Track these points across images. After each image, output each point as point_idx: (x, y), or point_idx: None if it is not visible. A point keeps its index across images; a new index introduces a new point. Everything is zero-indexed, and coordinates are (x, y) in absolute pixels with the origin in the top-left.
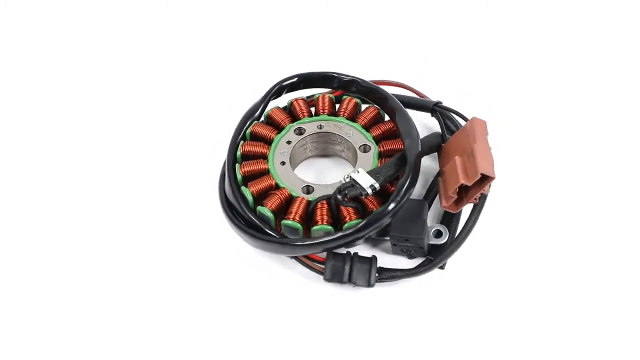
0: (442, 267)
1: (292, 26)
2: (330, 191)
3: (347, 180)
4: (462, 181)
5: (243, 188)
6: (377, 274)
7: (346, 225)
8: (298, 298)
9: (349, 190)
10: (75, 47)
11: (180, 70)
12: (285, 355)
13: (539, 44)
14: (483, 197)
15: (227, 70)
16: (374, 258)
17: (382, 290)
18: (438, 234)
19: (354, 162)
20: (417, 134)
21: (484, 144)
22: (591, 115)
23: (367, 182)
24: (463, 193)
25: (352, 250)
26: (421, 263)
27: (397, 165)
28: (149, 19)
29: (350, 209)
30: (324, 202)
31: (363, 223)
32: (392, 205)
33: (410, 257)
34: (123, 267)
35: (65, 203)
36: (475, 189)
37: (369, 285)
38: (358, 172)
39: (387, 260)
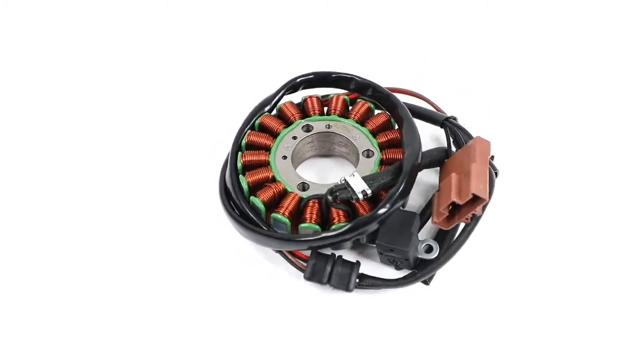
0: (425, 283)
1: (292, 26)
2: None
3: (342, 182)
4: (454, 199)
5: (240, 177)
6: (357, 280)
7: (333, 226)
8: (277, 294)
9: (340, 193)
10: (75, 47)
11: (180, 71)
12: (249, 349)
13: (539, 44)
14: (475, 218)
15: (228, 70)
16: (357, 263)
17: (361, 297)
18: (429, 249)
19: (356, 165)
20: (420, 145)
21: (483, 165)
22: (591, 116)
23: (359, 187)
24: (455, 211)
25: (339, 253)
26: (405, 275)
27: (394, 174)
28: (149, 19)
29: (340, 211)
30: (316, 201)
31: (348, 226)
32: (379, 212)
33: (397, 268)
34: (120, 256)
35: (66, 199)
36: (467, 208)
37: (347, 289)
38: (353, 175)
39: (375, 268)
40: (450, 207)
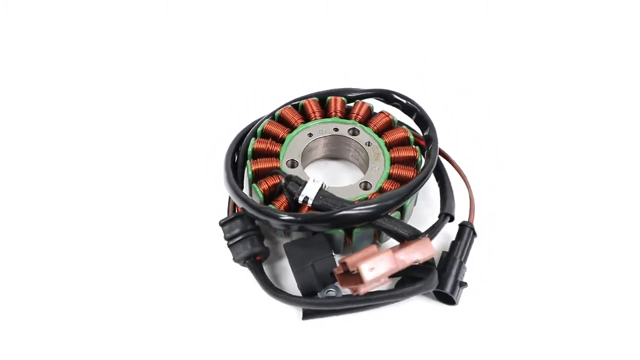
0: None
1: (292, 26)
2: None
3: (313, 181)
4: (346, 259)
5: (248, 162)
6: None
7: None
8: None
9: (292, 184)
10: (76, 47)
11: (180, 71)
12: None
13: (539, 44)
14: (357, 300)
15: (228, 71)
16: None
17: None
18: (330, 292)
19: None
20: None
21: (394, 260)
22: (591, 116)
23: (309, 192)
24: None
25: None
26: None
27: (337, 206)
28: (149, 19)
29: (284, 198)
30: (278, 178)
31: (280, 212)
32: (283, 217)
33: None
34: (117, 255)
35: (64, 199)
36: (352, 279)
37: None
38: (314, 182)
39: None
40: (344, 264)
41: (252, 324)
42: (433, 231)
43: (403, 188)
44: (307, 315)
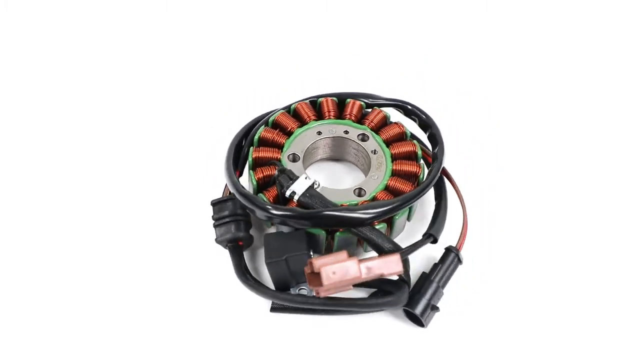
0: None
1: (292, 26)
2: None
3: (305, 178)
4: (313, 260)
5: (250, 149)
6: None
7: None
8: None
9: (283, 176)
10: (75, 48)
11: (180, 71)
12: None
13: (539, 44)
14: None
15: (228, 71)
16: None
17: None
18: (302, 290)
19: (366, 174)
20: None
21: (359, 270)
22: (591, 116)
23: (296, 187)
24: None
25: None
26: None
27: (323, 205)
28: (149, 19)
29: (275, 189)
30: (274, 169)
31: (262, 202)
32: (272, 211)
33: None
34: (115, 255)
35: (64, 197)
36: (315, 280)
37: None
38: (307, 179)
39: None
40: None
41: (221, 308)
42: (411, 249)
43: (391, 201)
44: (274, 308)
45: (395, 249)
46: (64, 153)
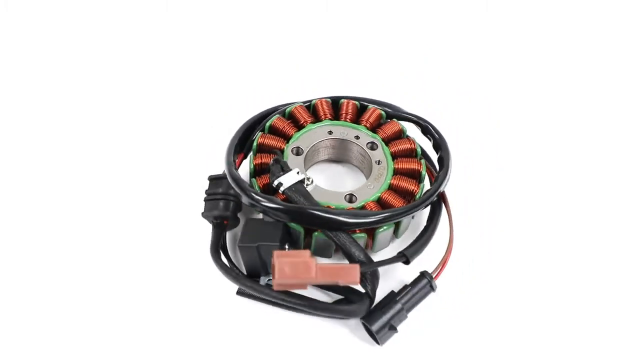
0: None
1: (292, 26)
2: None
3: (297, 172)
4: (275, 251)
5: (258, 134)
6: None
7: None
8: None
9: (275, 167)
10: (75, 47)
11: (180, 71)
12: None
13: (539, 44)
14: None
15: (228, 71)
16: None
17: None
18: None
19: (367, 176)
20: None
21: (314, 272)
22: (591, 116)
23: (284, 179)
24: None
25: None
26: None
27: (307, 200)
28: (149, 19)
29: (266, 177)
30: (272, 157)
31: (246, 188)
32: (264, 203)
33: None
34: (115, 254)
35: (65, 196)
36: (273, 271)
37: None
38: (298, 174)
39: None
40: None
41: (192, 282)
42: (379, 264)
43: (375, 212)
44: (240, 292)
45: (365, 260)
46: (62, 152)
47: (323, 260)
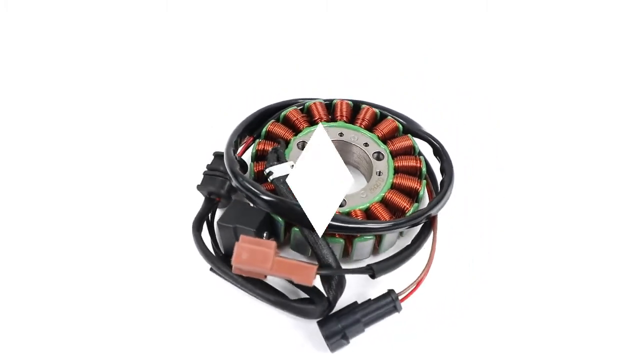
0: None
1: (292, 26)
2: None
3: (291, 166)
4: (243, 236)
5: (269, 121)
6: None
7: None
8: None
9: (272, 156)
10: (75, 47)
11: (181, 71)
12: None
13: (539, 44)
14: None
15: (228, 71)
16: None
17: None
18: None
19: (368, 179)
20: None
21: (271, 262)
22: (591, 116)
23: (276, 169)
24: None
25: None
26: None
27: (287, 195)
28: (149, 19)
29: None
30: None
31: (237, 172)
32: (260, 196)
33: None
34: (115, 254)
35: (66, 195)
36: None
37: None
38: (292, 167)
39: None
40: None
41: (173, 251)
42: (344, 272)
43: (355, 220)
44: (212, 270)
45: (332, 264)
46: (62, 152)
47: (302, 258)
